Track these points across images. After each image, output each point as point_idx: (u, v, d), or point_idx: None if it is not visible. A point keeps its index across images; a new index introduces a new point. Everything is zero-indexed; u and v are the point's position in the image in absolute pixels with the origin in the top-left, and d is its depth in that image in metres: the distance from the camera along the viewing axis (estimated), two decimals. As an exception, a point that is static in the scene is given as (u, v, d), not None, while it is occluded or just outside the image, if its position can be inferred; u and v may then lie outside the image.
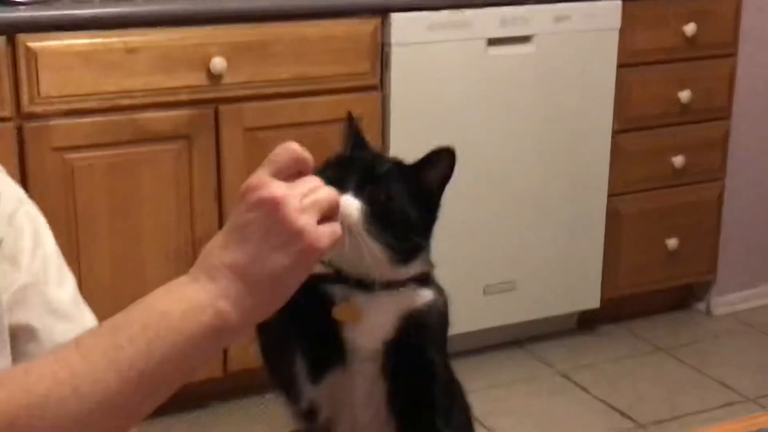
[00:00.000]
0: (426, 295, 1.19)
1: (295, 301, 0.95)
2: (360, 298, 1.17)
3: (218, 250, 0.88)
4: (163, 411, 2.76)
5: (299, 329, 1.18)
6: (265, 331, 1.19)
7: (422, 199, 1.15)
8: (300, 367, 1.19)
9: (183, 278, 0.89)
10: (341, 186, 1.05)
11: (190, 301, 0.86)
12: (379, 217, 1.09)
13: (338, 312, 1.16)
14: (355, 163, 1.13)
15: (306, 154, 0.92)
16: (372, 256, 1.10)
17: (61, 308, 1.06)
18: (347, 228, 1.04)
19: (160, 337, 0.85)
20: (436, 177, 1.16)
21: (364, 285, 1.15)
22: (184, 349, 0.86)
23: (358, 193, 1.08)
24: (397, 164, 1.17)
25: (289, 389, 1.21)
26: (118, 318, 0.87)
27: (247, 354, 2.74)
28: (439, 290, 1.22)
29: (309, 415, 1.22)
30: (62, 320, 1.05)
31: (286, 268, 0.87)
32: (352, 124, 1.21)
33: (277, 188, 0.87)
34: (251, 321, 0.89)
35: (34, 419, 0.82)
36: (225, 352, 2.58)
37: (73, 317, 1.07)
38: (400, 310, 1.17)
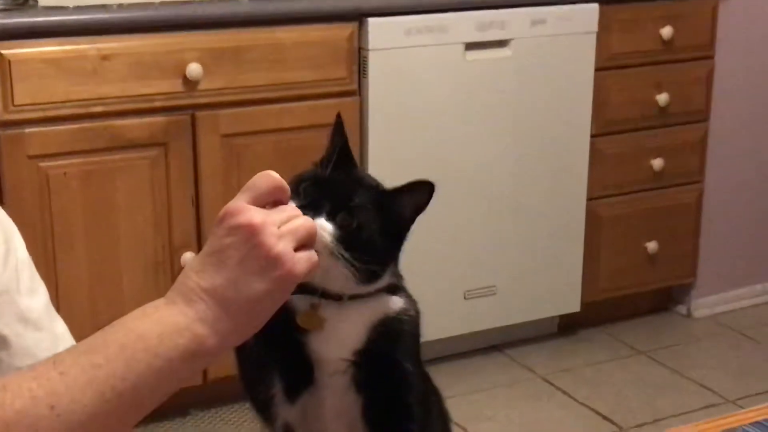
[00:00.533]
0: (396, 302, 1.19)
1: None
2: (328, 308, 1.17)
3: (195, 273, 0.89)
4: (143, 419, 2.74)
5: (273, 349, 1.18)
6: (242, 354, 1.19)
7: (393, 228, 1.16)
8: (277, 389, 1.19)
9: (160, 301, 0.90)
10: (316, 208, 1.09)
11: (167, 324, 0.87)
12: (348, 242, 1.11)
13: (302, 319, 1.16)
14: (331, 186, 1.14)
15: (284, 184, 0.93)
16: (339, 276, 1.12)
17: (33, 317, 1.06)
18: (317, 249, 1.06)
19: (137, 359, 0.86)
20: (411, 206, 1.17)
21: (332, 296, 1.16)
22: (161, 371, 0.86)
23: (331, 217, 1.11)
24: (374, 189, 1.18)
25: (265, 411, 1.22)
26: (96, 338, 0.88)
27: (227, 362, 2.72)
28: (410, 299, 1.22)
29: None
30: (34, 329, 1.05)
31: (263, 293, 0.88)
32: (340, 127, 1.21)
33: (255, 214, 0.88)
34: (228, 344, 0.90)
35: None
36: (204, 360, 2.58)
37: (44, 326, 1.07)
38: (369, 319, 1.17)
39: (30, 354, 1.03)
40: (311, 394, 1.19)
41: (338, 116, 1.22)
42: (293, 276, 0.89)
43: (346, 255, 1.10)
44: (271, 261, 0.87)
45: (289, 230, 0.90)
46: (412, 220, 1.18)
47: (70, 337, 1.10)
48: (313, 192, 1.11)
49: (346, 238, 1.11)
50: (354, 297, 1.16)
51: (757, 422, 1.14)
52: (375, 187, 1.18)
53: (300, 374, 1.18)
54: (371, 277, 1.16)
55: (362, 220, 1.13)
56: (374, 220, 1.15)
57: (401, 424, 1.17)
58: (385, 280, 1.18)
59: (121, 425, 0.88)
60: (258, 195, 0.91)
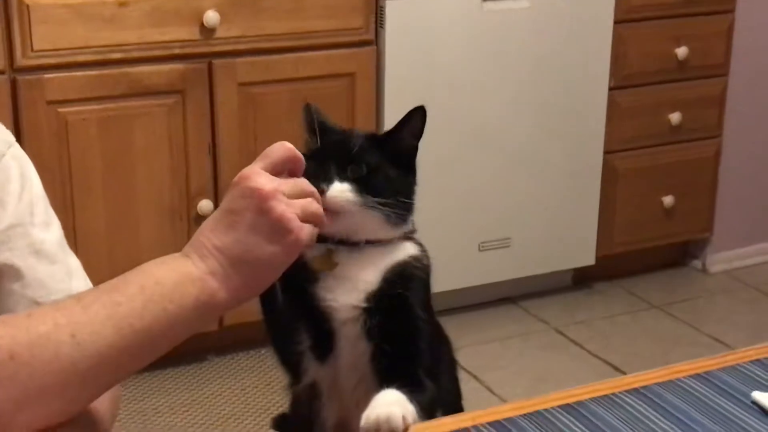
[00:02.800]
0: (410, 249, 1.23)
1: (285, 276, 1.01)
2: (343, 254, 1.19)
3: (209, 231, 0.95)
4: (162, 364, 2.78)
5: (297, 307, 1.21)
6: (269, 313, 1.23)
7: (399, 160, 1.22)
8: (304, 347, 1.22)
9: (176, 255, 0.95)
10: (325, 176, 1.15)
11: (182, 274, 0.93)
12: (368, 189, 1.16)
13: (316, 260, 1.18)
14: (329, 151, 1.19)
15: (298, 155, 0.99)
16: (372, 225, 1.18)
17: (46, 250, 1.07)
18: (346, 210, 1.14)
19: (154, 301, 0.91)
20: (409, 134, 1.23)
21: (349, 243, 1.18)
22: (174, 316, 0.91)
23: (342, 175, 1.16)
24: (368, 137, 1.23)
25: (294, 368, 1.26)
26: (117, 280, 0.93)
27: (242, 309, 2.75)
28: (422, 248, 1.26)
29: (310, 390, 1.26)
30: (47, 262, 1.07)
31: (270, 255, 0.94)
32: (310, 113, 1.24)
33: (268, 181, 0.95)
34: (236, 299, 0.95)
35: (33, 356, 0.86)
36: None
37: (57, 259, 1.08)
38: (384, 264, 1.20)
39: (43, 286, 1.05)
40: (335, 351, 1.22)
41: (305, 106, 1.27)
42: (299, 242, 0.95)
43: (374, 201, 1.15)
44: (280, 226, 0.93)
45: (300, 204, 0.96)
46: (415, 148, 1.24)
47: (83, 273, 1.12)
48: (315, 164, 1.15)
49: (365, 186, 1.16)
50: (370, 242, 1.19)
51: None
52: (369, 134, 1.24)
53: (326, 334, 1.21)
54: (402, 216, 1.20)
55: (370, 162, 1.18)
56: (380, 159, 1.19)
57: (409, 369, 1.18)
58: (408, 226, 1.22)
59: (133, 362, 0.92)
60: (273, 163, 0.97)
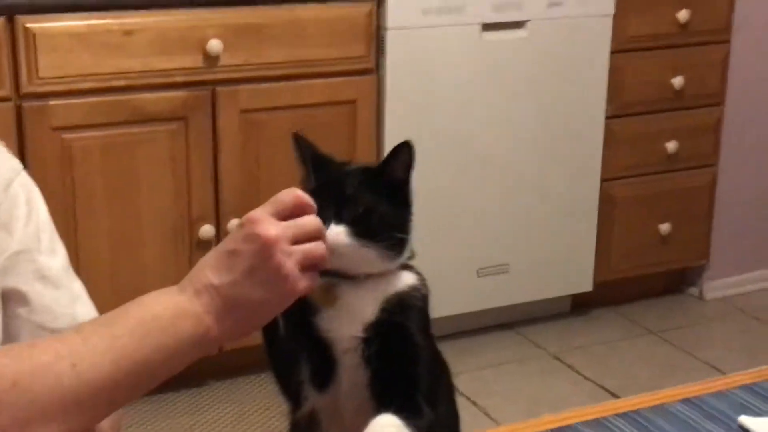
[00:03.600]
0: (408, 278, 1.22)
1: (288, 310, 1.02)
2: (342, 286, 1.19)
3: (209, 269, 0.95)
4: (163, 389, 2.78)
5: (298, 338, 1.20)
6: (271, 343, 1.21)
7: (394, 195, 1.20)
8: (304, 377, 1.21)
9: (173, 288, 0.96)
10: (322, 219, 1.10)
11: (179, 310, 0.94)
12: (363, 229, 1.15)
13: (316, 295, 1.19)
14: (325, 191, 1.16)
15: (308, 201, 0.99)
16: (368, 261, 1.16)
17: (52, 276, 1.08)
18: (342, 251, 1.12)
19: (151, 336, 0.92)
20: (401, 168, 1.20)
21: (348, 276, 1.18)
22: (169, 350, 0.93)
23: (338, 217, 1.14)
24: (362, 171, 1.22)
25: (294, 397, 1.24)
26: (117, 312, 0.95)
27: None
28: (420, 276, 1.24)
29: (310, 417, 1.25)
30: (52, 287, 1.07)
31: (264, 301, 0.95)
32: (300, 145, 1.23)
33: (272, 228, 0.94)
34: (228, 337, 0.97)
35: (35, 384, 0.88)
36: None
37: (62, 284, 1.09)
38: (382, 294, 1.19)
39: (49, 311, 1.06)
40: (335, 380, 1.21)
41: (294, 136, 1.24)
42: (294, 293, 0.96)
43: (370, 242, 1.14)
44: (277, 277, 0.94)
45: (302, 251, 0.96)
46: (408, 181, 1.21)
47: (87, 298, 1.13)
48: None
49: (360, 226, 1.15)
50: (369, 275, 1.19)
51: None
52: (362, 169, 1.22)
53: (326, 363, 1.21)
54: (398, 251, 1.19)
55: (364, 202, 1.17)
56: (375, 197, 1.18)
57: (407, 395, 1.17)
58: (405, 255, 1.21)
59: (131, 391, 0.94)
60: (281, 209, 0.97)
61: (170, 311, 0.94)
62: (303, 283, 0.96)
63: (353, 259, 1.15)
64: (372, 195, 1.18)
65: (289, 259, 0.94)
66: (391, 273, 1.21)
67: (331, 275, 1.18)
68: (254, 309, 0.95)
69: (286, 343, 1.22)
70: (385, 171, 1.21)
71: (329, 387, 1.22)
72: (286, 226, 0.95)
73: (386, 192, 1.20)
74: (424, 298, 1.24)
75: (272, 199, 0.98)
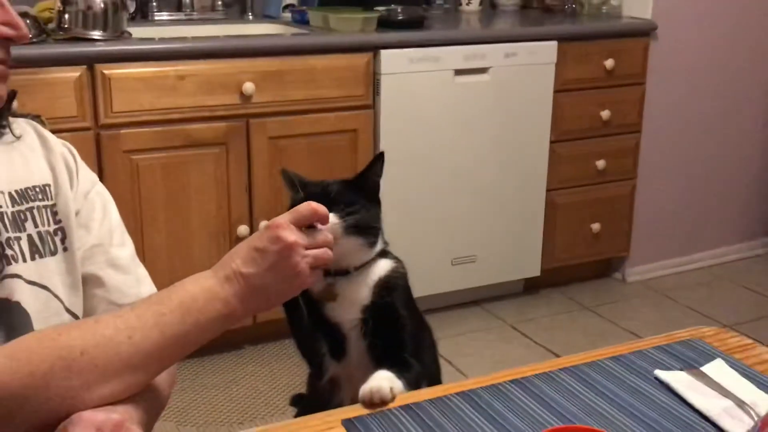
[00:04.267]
0: (387, 264, 1.23)
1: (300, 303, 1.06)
2: (339, 282, 1.19)
3: (240, 259, 0.95)
4: (209, 351, 2.77)
5: (314, 321, 1.22)
6: (295, 326, 1.23)
7: (367, 196, 1.21)
8: (325, 350, 1.23)
9: (207, 273, 0.96)
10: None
11: (212, 293, 0.94)
12: (350, 222, 1.16)
13: (320, 294, 1.19)
14: (313, 199, 1.15)
15: (324, 211, 0.98)
16: (355, 250, 1.17)
17: (121, 263, 1.08)
18: (336, 239, 1.10)
19: (190, 313, 0.93)
20: (379, 171, 1.23)
21: (342, 272, 1.19)
22: (204, 324, 0.93)
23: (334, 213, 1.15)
24: (341, 182, 1.23)
25: (317, 367, 1.26)
26: (162, 294, 0.95)
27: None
28: (397, 259, 1.26)
29: (330, 382, 1.26)
30: (122, 272, 1.07)
31: (281, 290, 0.96)
32: (288, 176, 1.25)
33: (293, 234, 0.95)
34: (249, 314, 0.97)
35: (99, 353, 0.88)
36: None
37: (130, 270, 1.09)
38: (371, 281, 1.20)
39: (119, 291, 1.06)
40: (347, 352, 1.22)
41: (282, 171, 1.26)
42: (304, 286, 0.97)
43: (355, 234, 1.16)
44: (293, 273, 0.94)
45: (313, 255, 0.96)
46: (378, 183, 1.23)
47: (150, 281, 1.12)
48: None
49: (349, 222, 1.16)
50: (358, 267, 1.20)
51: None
52: (340, 181, 1.23)
53: (339, 340, 1.22)
54: (373, 240, 1.20)
55: (346, 202, 1.19)
56: (354, 197, 1.20)
57: (397, 354, 1.19)
58: (379, 246, 1.22)
59: (174, 356, 0.95)
60: (299, 218, 0.97)
61: (205, 294, 0.93)
62: (311, 279, 0.97)
63: (343, 248, 1.14)
64: (351, 197, 1.19)
65: (303, 260, 0.94)
66: (374, 263, 1.22)
67: (329, 275, 1.18)
68: (272, 295, 0.96)
69: (307, 328, 1.22)
70: (363, 176, 1.22)
71: (344, 358, 1.22)
72: (304, 235, 0.96)
73: (362, 195, 1.21)
74: (404, 276, 1.25)
75: (293, 209, 0.98)
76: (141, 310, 0.93)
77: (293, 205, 1.05)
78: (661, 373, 1.07)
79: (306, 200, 1.19)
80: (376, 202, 1.24)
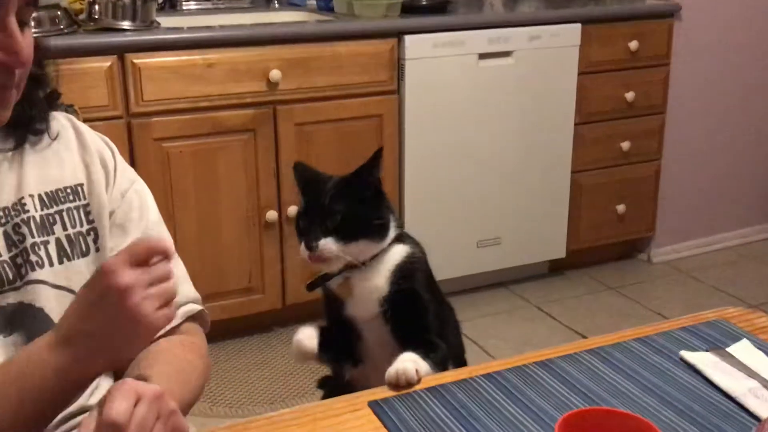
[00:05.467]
0: (402, 250, 1.19)
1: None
2: (354, 276, 1.16)
3: (77, 319, 0.82)
4: (240, 334, 2.79)
5: (338, 330, 1.20)
6: (322, 339, 1.21)
7: (366, 191, 1.16)
8: (342, 358, 1.22)
9: (45, 340, 0.83)
10: (314, 235, 1.11)
11: (41, 364, 0.82)
12: (346, 232, 1.11)
13: (337, 290, 1.18)
14: (311, 210, 1.15)
15: (164, 248, 0.83)
16: (362, 251, 1.14)
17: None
18: (335, 256, 1.10)
19: (23, 387, 0.82)
20: (376, 170, 1.17)
21: (355, 265, 1.16)
22: (35, 397, 0.82)
23: (324, 229, 1.11)
24: (337, 183, 1.17)
25: (337, 371, 1.25)
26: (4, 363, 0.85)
27: (300, 291, 2.77)
28: (414, 242, 1.22)
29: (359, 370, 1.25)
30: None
31: (128, 339, 0.83)
32: (298, 172, 1.21)
33: (127, 276, 0.80)
34: (96, 370, 0.85)
35: None
36: (283, 289, 2.61)
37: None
38: (387, 270, 1.17)
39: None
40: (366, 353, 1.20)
41: (294, 164, 1.22)
42: (153, 330, 0.83)
43: (355, 239, 1.12)
44: (136, 318, 0.80)
45: (158, 292, 0.82)
46: (378, 179, 1.18)
47: (186, 280, 1.10)
48: (304, 223, 1.14)
49: (343, 231, 1.11)
50: (371, 258, 1.16)
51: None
52: (337, 182, 1.18)
53: (356, 338, 1.20)
54: (382, 234, 1.16)
55: (340, 210, 1.13)
56: (349, 201, 1.14)
57: (422, 337, 1.18)
58: (392, 233, 1.17)
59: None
60: (135, 257, 0.81)
61: (34, 363, 0.82)
62: (160, 321, 0.82)
63: (349, 255, 1.12)
64: (346, 201, 1.14)
65: (144, 301, 0.80)
66: (388, 251, 1.18)
67: (344, 270, 1.16)
68: (122, 346, 0.82)
69: (334, 330, 1.20)
70: (365, 172, 1.17)
71: (365, 356, 1.21)
72: (142, 273, 0.81)
73: (358, 190, 1.16)
74: (420, 260, 1.21)
75: (126, 247, 0.83)
76: None
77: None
78: (686, 354, 1.06)
79: (303, 211, 1.14)
80: (378, 195, 1.18)
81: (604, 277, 3.19)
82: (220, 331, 2.52)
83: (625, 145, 3.08)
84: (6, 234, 0.94)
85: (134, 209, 1.04)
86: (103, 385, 1.02)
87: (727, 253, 3.41)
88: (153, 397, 0.78)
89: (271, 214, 2.55)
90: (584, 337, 2.72)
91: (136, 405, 0.76)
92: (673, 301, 3.00)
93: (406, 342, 1.15)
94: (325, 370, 1.36)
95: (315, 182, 1.20)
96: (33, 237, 0.95)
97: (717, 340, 1.10)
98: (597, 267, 3.24)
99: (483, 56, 2.74)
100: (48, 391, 0.82)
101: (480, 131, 2.81)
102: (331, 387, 1.39)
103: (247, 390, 2.43)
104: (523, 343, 2.69)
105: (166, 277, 0.83)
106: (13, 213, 0.95)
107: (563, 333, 2.77)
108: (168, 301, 0.83)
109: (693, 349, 1.08)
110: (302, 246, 1.14)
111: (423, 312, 1.20)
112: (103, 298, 0.81)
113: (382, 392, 1.00)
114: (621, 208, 3.15)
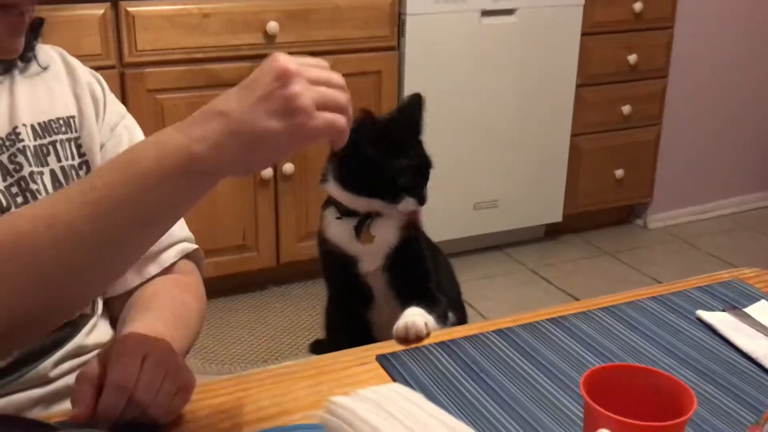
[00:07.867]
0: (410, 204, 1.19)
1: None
2: (375, 223, 1.17)
3: (221, 99, 0.71)
4: (234, 291, 2.75)
5: (345, 281, 1.20)
6: (329, 315, 1.27)
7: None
8: (351, 332, 1.23)
9: (175, 125, 0.73)
10: (422, 194, 1.18)
11: (165, 147, 0.71)
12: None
13: (362, 236, 1.16)
14: (419, 169, 1.19)
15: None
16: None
17: None
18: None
19: (134, 183, 0.70)
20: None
21: (379, 214, 1.17)
22: (151, 183, 0.70)
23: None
24: (415, 136, 1.22)
25: (354, 318, 1.25)
26: (106, 165, 0.76)
27: (295, 250, 2.72)
28: None
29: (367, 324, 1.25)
30: None
31: (274, 132, 0.68)
32: (417, 107, 1.25)
33: (293, 63, 0.70)
34: (227, 165, 0.70)
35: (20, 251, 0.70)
36: (278, 247, 2.58)
37: None
38: (399, 221, 1.18)
39: None
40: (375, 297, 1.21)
41: (414, 97, 1.26)
42: (307, 129, 0.68)
43: None
44: (291, 107, 0.68)
45: (321, 91, 0.70)
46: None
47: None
48: (408, 179, 1.18)
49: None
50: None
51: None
52: (414, 133, 1.23)
53: (367, 289, 1.19)
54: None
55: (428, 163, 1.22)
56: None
57: (423, 288, 1.18)
58: None
59: (115, 231, 0.71)
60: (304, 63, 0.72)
61: (156, 152, 0.70)
62: (316, 122, 0.68)
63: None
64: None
65: (306, 92, 0.68)
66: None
67: (366, 217, 1.15)
68: (262, 140, 0.68)
69: (341, 288, 1.22)
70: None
71: (372, 308, 1.21)
72: (310, 66, 0.71)
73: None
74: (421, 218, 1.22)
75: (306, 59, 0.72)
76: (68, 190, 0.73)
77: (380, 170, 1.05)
78: (703, 314, 1.03)
79: (416, 165, 1.16)
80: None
81: (600, 241, 3.17)
82: (214, 288, 2.47)
83: (626, 108, 3.04)
84: (1, 164, 0.91)
85: (124, 143, 1.01)
86: (100, 325, 0.99)
87: (723, 220, 3.39)
88: (160, 355, 0.74)
89: (266, 171, 2.50)
90: (578, 300, 2.70)
91: (142, 363, 0.73)
92: (669, 267, 2.98)
93: (407, 296, 1.14)
94: (317, 334, 1.34)
95: (418, 140, 1.22)
96: (30, 166, 0.92)
97: (733, 300, 1.07)
98: (593, 232, 3.21)
99: (486, 13, 2.68)
100: (154, 177, 0.68)
101: (480, 90, 2.76)
102: (324, 351, 1.37)
103: (240, 347, 2.40)
104: (518, 306, 2.66)
105: (335, 84, 0.71)
106: (8, 143, 0.92)
107: (558, 297, 2.75)
108: (330, 106, 0.70)
109: (709, 309, 1.05)
110: (408, 200, 1.15)
111: (422, 264, 1.21)
112: (261, 78, 0.69)
113: (390, 346, 0.96)
114: (620, 173, 3.12)
